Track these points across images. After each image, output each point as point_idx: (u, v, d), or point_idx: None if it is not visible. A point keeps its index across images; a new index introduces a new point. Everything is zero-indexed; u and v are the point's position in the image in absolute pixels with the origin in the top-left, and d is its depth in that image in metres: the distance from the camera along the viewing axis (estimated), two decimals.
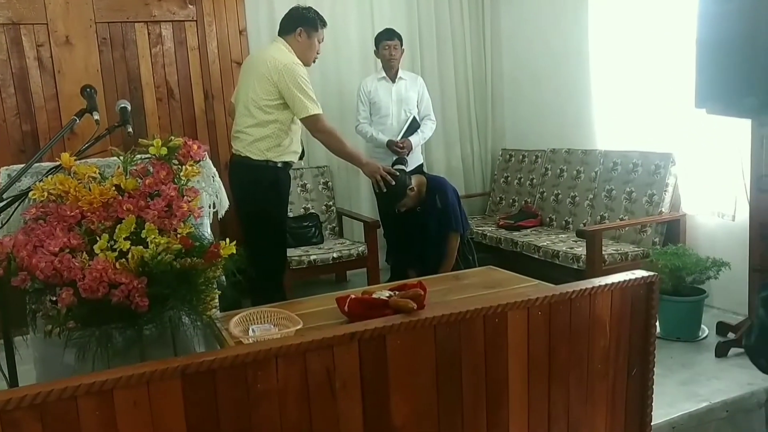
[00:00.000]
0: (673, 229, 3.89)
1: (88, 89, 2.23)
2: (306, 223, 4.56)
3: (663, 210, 3.89)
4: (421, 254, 3.84)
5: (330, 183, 4.84)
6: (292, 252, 4.08)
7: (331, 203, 4.83)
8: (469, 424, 1.79)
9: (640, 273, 2.00)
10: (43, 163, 2.07)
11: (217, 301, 1.97)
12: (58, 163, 1.94)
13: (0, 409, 1.28)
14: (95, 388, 1.36)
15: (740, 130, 3.28)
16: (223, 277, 1.89)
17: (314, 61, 3.40)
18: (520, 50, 5.19)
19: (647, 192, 3.98)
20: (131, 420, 1.40)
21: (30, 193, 1.85)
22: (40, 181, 1.86)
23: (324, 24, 3.36)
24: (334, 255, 4.20)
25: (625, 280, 1.95)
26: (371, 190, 4.17)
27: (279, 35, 3.33)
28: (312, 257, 4.15)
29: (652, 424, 2.10)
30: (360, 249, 4.27)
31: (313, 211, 4.71)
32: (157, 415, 1.43)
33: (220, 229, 3.85)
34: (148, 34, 4.23)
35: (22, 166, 2.01)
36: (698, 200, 3.83)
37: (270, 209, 3.26)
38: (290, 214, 4.29)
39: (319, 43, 3.35)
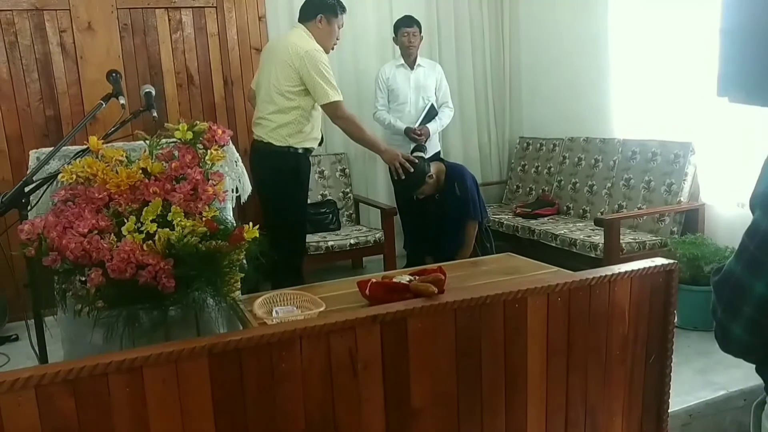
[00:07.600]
0: (691, 219, 3.87)
1: (114, 74, 2.26)
2: (323, 210, 4.58)
3: (682, 199, 3.87)
4: (439, 241, 3.85)
5: (347, 170, 4.86)
6: (309, 238, 4.10)
7: (348, 190, 4.85)
8: (488, 407, 1.81)
9: (659, 261, 2.00)
10: (69, 147, 2.12)
11: (239, 283, 2.00)
12: (86, 146, 1.98)
13: (35, 383, 1.32)
14: (125, 365, 1.39)
15: (761, 119, 3.25)
16: (245, 260, 1.92)
17: (334, 47, 3.41)
18: (539, 38, 5.15)
19: (666, 181, 3.96)
20: (160, 397, 1.44)
21: (59, 176, 1.89)
22: (68, 164, 1.90)
23: (343, 9, 3.37)
24: (352, 241, 4.23)
25: (644, 268, 1.95)
26: (388, 177, 4.18)
27: (299, 21, 3.34)
28: (329, 243, 4.18)
29: (669, 411, 2.11)
30: (377, 236, 4.29)
31: (330, 197, 4.74)
32: (184, 392, 1.46)
33: (239, 213, 3.90)
34: (169, 20, 4.25)
35: (51, 149, 2.06)
36: (718, 190, 3.81)
37: (291, 195, 3.29)
38: (308, 201, 4.31)
39: (339, 28, 3.37)
